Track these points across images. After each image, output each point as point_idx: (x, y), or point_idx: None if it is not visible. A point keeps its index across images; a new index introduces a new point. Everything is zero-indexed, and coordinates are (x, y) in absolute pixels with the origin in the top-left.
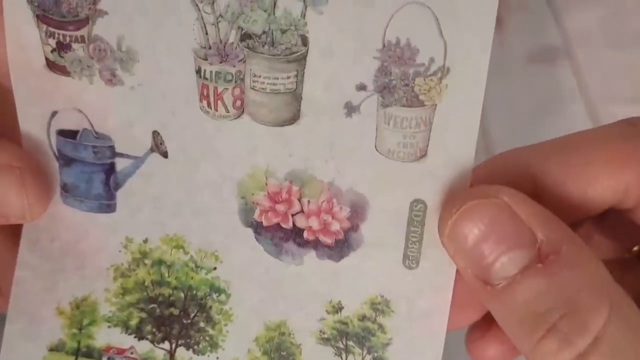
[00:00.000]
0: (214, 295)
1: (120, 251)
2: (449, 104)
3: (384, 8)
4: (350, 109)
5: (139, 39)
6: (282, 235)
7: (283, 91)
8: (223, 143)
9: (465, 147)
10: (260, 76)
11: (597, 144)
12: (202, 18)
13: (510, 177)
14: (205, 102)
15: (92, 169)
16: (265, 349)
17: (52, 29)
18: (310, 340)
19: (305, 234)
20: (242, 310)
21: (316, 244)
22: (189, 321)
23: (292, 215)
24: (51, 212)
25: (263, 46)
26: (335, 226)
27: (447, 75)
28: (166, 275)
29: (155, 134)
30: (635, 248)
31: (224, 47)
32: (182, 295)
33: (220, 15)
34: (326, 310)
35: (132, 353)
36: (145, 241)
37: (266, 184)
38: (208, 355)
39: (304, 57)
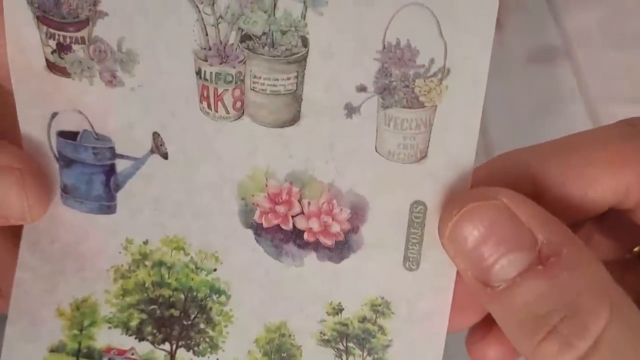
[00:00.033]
0: (214, 297)
1: (120, 252)
2: (449, 105)
3: (384, 9)
4: (351, 110)
5: (139, 40)
6: (282, 236)
7: (283, 92)
8: (223, 144)
9: (466, 148)
10: (260, 77)
11: (597, 144)
12: (202, 19)
13: (510, 179)
14: (205, 104)
15: (93, 170)
16: (265, 350)
17: (52, 30)
18: (311, 342)
19: (305, 236)
20: (242, 311)
21: (316, 246)
22: (189, 322)
23: (293, 216)
24: (51, 213)
25: (263, 47)
26: (336, 228)
27: (447, 77)
28: (166, 276)
29: (156, 135)
30: (636, 249)
31: (224, 48)
32: (183, 296)
33: (221, 17)
34: (326, 312)
35: (132, 354)
36: (146, 242)
37: (266, 185)
38: (208, 357)
39: (304, 59)
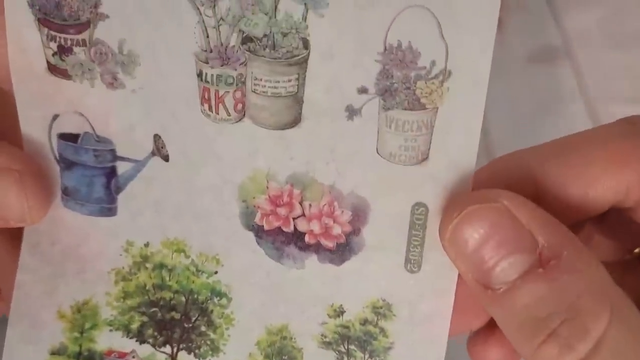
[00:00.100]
0: (215, 299)
1: (121, 255)
2: (451, 107)
3: (385, 11)
4: (352, 112)
5: (140, 42)
6: (283, 239)
7: (284, 94)
8: (224, 146)
9: (467, 150)
10: (261, 79)
11: (596, 144)
12: (203, 21)
13: (511, 180)
14: (206, 106)
15: (93, 173)
16: (266, 353)
17: (53, 33)
18: (312, 344)
19: (306, 238)
20: (243, 314)
21: (317, 248)
22: (190, 325)
23: (294, 218)
24: (52, 215)
25: (264, 49)
26: (337, 230)
27: (448, 79)
28: (167, 279)
29: (157, 137)
30: (636, 250)
31: (225, 50)
32: (183, 299)
33: (222, 19)
34: (328, 314)
35: (133, 357)
36: (146, 245)
37: (267, 187)
38: (209, 359)
39: (305, 61)
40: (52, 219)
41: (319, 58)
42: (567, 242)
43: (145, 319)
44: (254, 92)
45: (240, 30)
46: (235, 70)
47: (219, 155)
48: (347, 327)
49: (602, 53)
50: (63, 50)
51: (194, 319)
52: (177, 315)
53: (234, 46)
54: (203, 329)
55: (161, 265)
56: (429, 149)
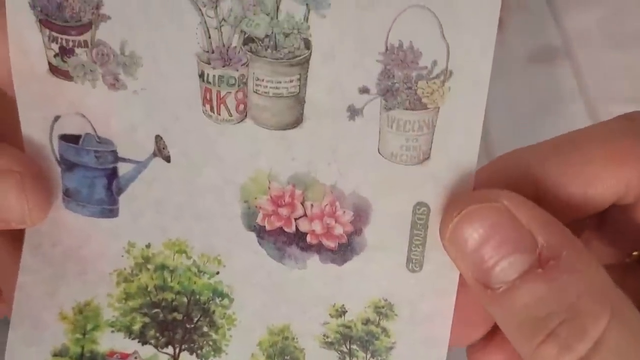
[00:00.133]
0: (217, 300)
1: (122, 256)
2: (452, 107)
3: (386, 11)
4: (353, 112)
5: (142, 43)
6: (285, 239)
7: (286, 95)
8: (226, 147)
9: (468, 149)
10: (263, 80)
11: (596, 141)
12: (205, 22)
13: (512, 180)
14: (208, 106)
15: (95, 174)
16: (268, 353)
17: (55, 34)
18: (314, 344)
19: (308, 238)
20: (245, 314)
21: (319, 248)
22: (192, 326)
23: (295, 219)
24: (53, 217)
25: (266, 50)
26: (339, 230)
27: (449, 78)
28: (169, 280)
29: (158, 138)
30: (635, 253)
31: (227, 51)
32: (185, 300)
33: (223, 19)
34: (330, 314)
35: (136, 358)
36: (148, 246)
37: (269, 188)
38: None
39: (306, 61)
40: (53, 220)
41: (320, 58)
42: (566, 242)
43: (147, 320)
44: (256, 92)
45: (242, 31)
46: (237, 70)
47: (220, 156)
48: (349, 327)
49: (602, 53)
50: (65, 52)
51: (196, 319)
52: (179, 316)
53: (235, 47)
54: (205, 329)
55: (163, 266)
56: (430, 148)
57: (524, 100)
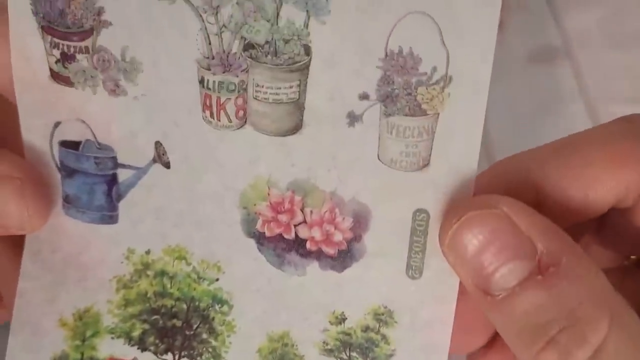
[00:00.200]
0: (217, 307)
1: (122, 262)
2: (452, 113)
3: (386, 17)
4: (353, 118)
5: (142, 50)
6: (284, 245)
7: (286, 101)
8: (225, 153)
9: (468, 156)
10: (263, 86)
11: (596, 144)
12: (205, 28)
13: (512, 185)
14: (208, 112)
15: (94, 180)
16: None
17: (56, 40)
18: (314, 351)
19: (307, 245)
20: (244, 321)
21: (319, 255)
22: (191, 332)
23: (295, 225)
24: (53, 223)
25: (266, 56)
26: (338, 237)
27: (449, 84)
28: (168, 286)
29: (158, 144)
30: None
31: (227, 57)
32: (185, 306)
33: (224, 26)
34: (329, 321)
35: None
36: (148, 252)
37: (268, 194)
38: None
39: (306, 67)
40: (53, 226)
41: (320, 64)
42: (566, 248)
43: (146, 326)
44: (256, 98)
45: (242, 37)
46: (237, 77)
47: (220, 162)
48: (348, 334)
49: (602, 53)
50: (66, 58)
51: (195, 326)
52: (178, 323)
53: (235, 53)
54: (204, 336)
55: (162, 273)
56: (430, 155)
57: (524, 101)
